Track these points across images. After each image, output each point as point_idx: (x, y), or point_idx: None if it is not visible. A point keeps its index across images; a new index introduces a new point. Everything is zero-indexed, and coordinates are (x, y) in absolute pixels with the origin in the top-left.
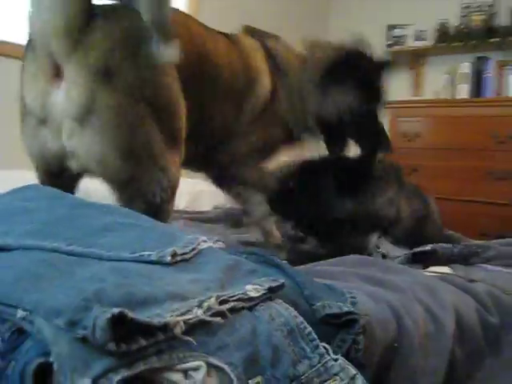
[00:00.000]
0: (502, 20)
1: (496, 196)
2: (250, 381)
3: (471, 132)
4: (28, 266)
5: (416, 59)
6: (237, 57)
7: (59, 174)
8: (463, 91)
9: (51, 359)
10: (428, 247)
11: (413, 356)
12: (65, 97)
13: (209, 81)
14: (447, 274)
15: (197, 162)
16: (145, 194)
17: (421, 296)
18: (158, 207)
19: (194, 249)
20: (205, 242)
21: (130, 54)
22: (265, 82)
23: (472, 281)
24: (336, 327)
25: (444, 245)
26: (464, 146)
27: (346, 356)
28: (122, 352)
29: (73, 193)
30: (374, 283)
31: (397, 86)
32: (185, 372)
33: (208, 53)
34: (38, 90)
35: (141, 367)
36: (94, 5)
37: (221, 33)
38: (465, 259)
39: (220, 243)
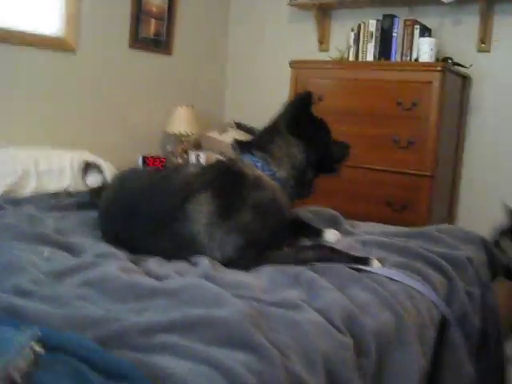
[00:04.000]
0: None
1: (401, 165)
2: None
3: (377, 97)
4: None
5: (322, 13)
6: None
7: None
8: (369, 51)
9: None
10: None
11: None
12: None
13: None
14: None
15: None
16: None
17: None
18: None
19: None
20: None
21: None
22: None
23: None
24: None
25: None
26: (369, 112)
27: None
28: None
29: None
30: None
31: (302, 43)
32: None
33: None
34: None
35: None
36: None
37: None
38: None
39: None
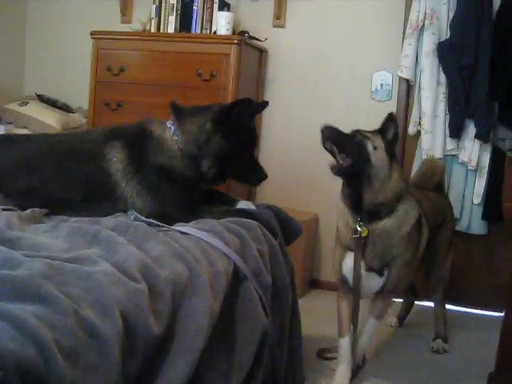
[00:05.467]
0: None
1: None
2: None
3: (178, 68)
4: None
5: None
6: None
7: None
8: (171, 24)
9: None
10: None
11: None
12: None
13: None
14: None
15: None
16: None
17: None
18: None
19: None
20: None
21: None
22: None
23: None
24: None
25: None
26: (171, 83)
27: None
28: None
29: None
30: None
31: (104, 14)
32: None
33: None
34: None
35: None
36: None
37: None
38: None
39: None
